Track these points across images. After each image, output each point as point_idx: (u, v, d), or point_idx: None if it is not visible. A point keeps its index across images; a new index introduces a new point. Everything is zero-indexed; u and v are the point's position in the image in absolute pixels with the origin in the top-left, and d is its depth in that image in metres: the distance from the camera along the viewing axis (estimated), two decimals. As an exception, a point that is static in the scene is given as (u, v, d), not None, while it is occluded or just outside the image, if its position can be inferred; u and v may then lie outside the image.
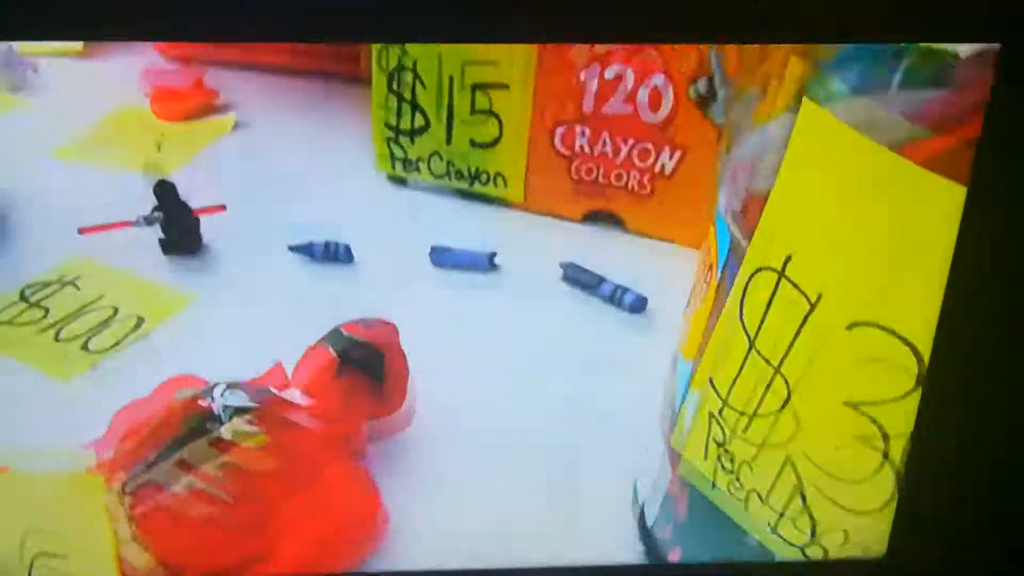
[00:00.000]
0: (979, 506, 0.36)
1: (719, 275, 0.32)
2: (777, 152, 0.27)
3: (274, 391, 0.39)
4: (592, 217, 0.53)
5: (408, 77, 0.51)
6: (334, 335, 0.40)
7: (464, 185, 0.54)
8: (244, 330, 0.47)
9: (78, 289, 0.49)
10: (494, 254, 0.50)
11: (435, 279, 0.50)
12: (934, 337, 0.29)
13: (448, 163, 0.54)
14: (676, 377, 0.36)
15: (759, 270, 0.28)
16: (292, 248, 0.51)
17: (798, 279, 0.27)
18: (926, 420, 0.31)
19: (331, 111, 0.62)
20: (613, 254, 0.51)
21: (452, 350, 0.45)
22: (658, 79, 0.46)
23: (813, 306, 0.26)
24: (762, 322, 0.29)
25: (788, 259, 0.27)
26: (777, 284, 0.28)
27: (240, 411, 0.37)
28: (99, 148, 0.61)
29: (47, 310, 0.48)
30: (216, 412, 0.37)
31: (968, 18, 0.25)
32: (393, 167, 0.55)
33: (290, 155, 0.60)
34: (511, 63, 0.49)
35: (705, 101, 0.46)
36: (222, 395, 0.38)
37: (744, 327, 0.30)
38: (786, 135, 0.26)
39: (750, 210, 0.29)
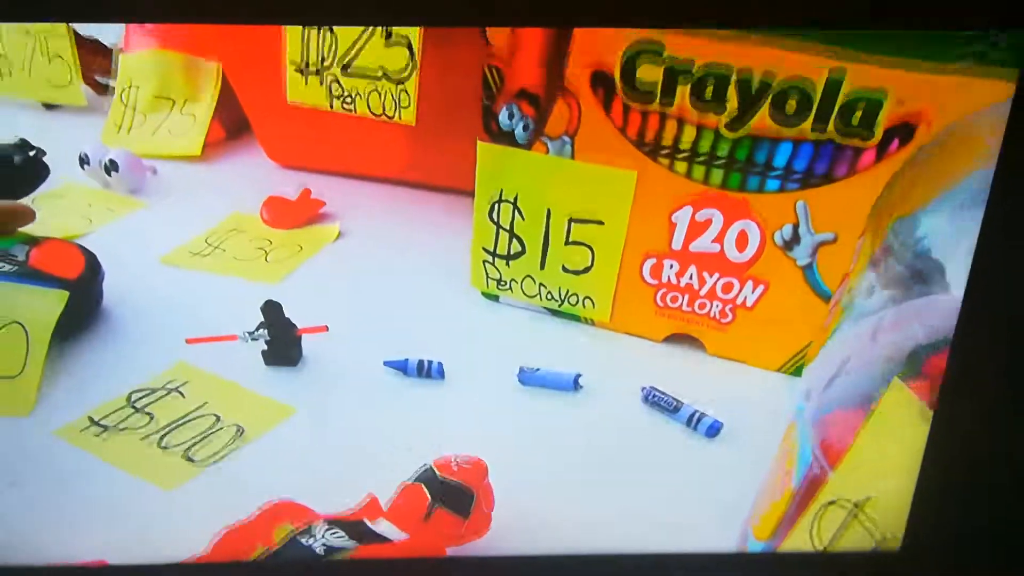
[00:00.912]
0: (994, 502, 0.37)
1: (795, 487, 0.36)
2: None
3: (368, 524, 0.41)
4: (673, 339, 0.56)
5: (508, 208, 0.55)
6: (428, 475, 0.41)
7: (554, 305, 0.58)
8: (341, 444, 0.50)
9: (183, 396, 0.52)
10: (579, 375, 0.53)
11: (522, 396, 0.53)
12: (953, 335, 0.32)
13: (540, 285, 0.57)
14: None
15: (833, 502, 0.33)
16: (387, 363, 0.54)
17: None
18: (943, 417, 0.33)
19: (430, 225, 0.66)
20: (693, 375, 0.54)
21: (533, 465, 0.48)
22: (745, 223, 0.49)
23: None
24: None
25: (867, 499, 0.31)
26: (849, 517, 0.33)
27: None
28: (210, 254, 0.64)
29: (152, 416, 0.50)
30: (316, 550, 0.39)
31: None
32: (487, 285, 0.59)
33: (389, 266, 0.64)
34: (609, 203, 0.52)
35: (789, 245, 0.49)
36: (323, 536, 0.40)
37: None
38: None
39: (833, 443, 0.34)
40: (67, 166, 0.72)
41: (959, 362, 0.33)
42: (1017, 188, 0.31)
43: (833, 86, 0.43)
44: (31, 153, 0.69)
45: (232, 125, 0.78)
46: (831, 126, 0.45)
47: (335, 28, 0.62)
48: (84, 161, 0.72)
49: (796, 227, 0.48)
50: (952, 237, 0.33)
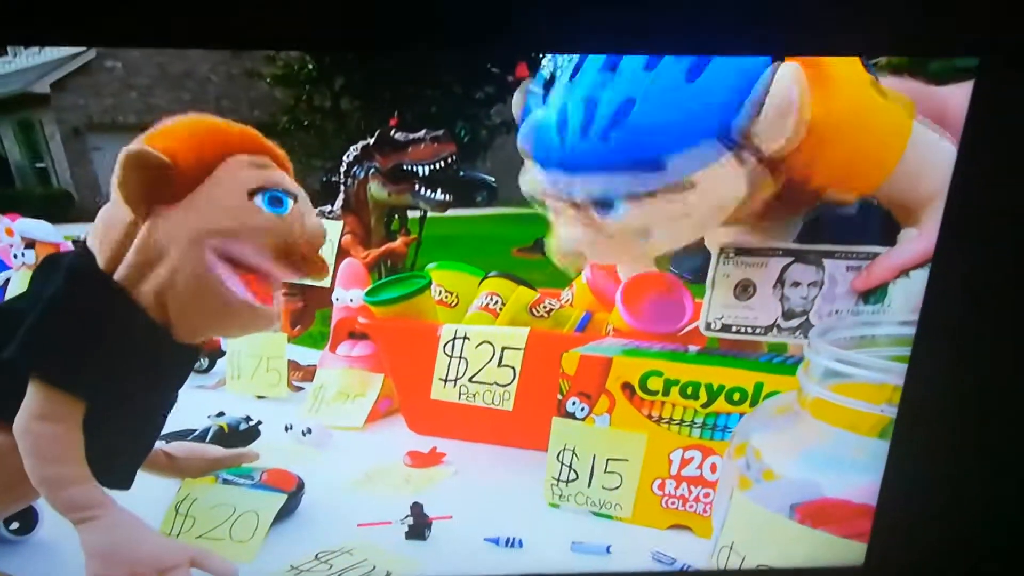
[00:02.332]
0: (955, 516, 0.39)
1: None
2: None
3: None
4: (673, 527, 0.90)
5: (569, 454, 0.91)
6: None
7: (595, 509, 0.92)
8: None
9: (351, 555, 0.85)
10: (610, 545, 0.88)
11: (574, 556, 0.88)
12: (912, 349, 0.35)
13: (587, 497, 0.92)
14: None
15: None
16: (486, 539, 0.89)
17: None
18: (902, 431, 0.37)
19: (518, 467, 1.02)
20: (685, 548, 0.87)
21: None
22: (715, 458, 0.85)
23: None
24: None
25: None
26: None
27: None
28: (371, 481, 1.01)
29: (331, 565, 0.83)
30: None
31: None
32: (552, 498, 0.94)
33: (488, 490, 1.00)
34: (630, 450, 0.88)
35: (743, 469, 0.87)
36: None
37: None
38: None
39: None
40: (272, 432, 1.10)
41: (915, 384, 0.38)
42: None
43: (758, 389, 0.82)
44: (252, 423, 1.09)
45: (384, 413, 1.19)
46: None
47: (468, 357, 1.07)
48: (288, 428, 1.09)
49: (746, 459, 0.81)
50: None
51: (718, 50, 0.61)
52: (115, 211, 0.70)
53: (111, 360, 0.72)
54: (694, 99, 0.72)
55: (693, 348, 0.92)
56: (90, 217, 0.77)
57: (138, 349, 0.73)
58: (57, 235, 1.73)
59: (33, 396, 0.69)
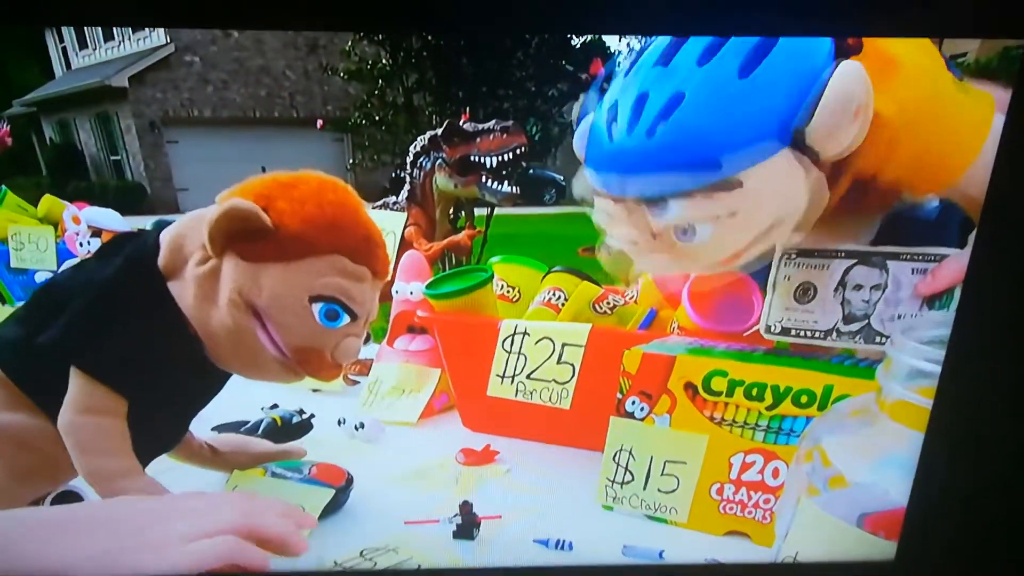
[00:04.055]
0: (988, 514, 0.39)
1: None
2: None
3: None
4: (729, 533, 0.87)
5: (626, 455, 0.89)
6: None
7: (649, 512, 0.90)
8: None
9: (396, 553, 0.83)
10: (662, 550, 0.85)
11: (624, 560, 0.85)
12: (947, 347, 0.34)
13: (641, 500, 0.89)
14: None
15: None
16: (535, 540, 0.86)
17: None
18: (936, 430, 0.36)
19: (571, 467, 1.01)
20: (742, 555, 0.84)
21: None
22: (777, 462, 0.82)
23: None
24: None
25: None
26: None
27: None
28: (421, 478, 0.99)
29: (375, 562, 0.81)
30: None
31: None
32: (606, 500, 0.92)
33: (540, 488, 0.97)
34: (689, 452, 0.86)
35: (808, 475, 0.83)
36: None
37: None
38: None
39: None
40: (324, 426, 1.11)
41: (950, 379, 0.37)
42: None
43: (827, 392, 0.78)
44: (304, 416, 1.09)
45: (440, 409, 1.18)
46: (828, 409, 0.78)
47: (527, 353, 1.05)
48: (341, 422, 1.09)
49: (812, 464, 0.79)
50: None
51: (783, 30, 0.58)
52: (196, 233, 0.72)
53: (152, 362, 0.73)
54: (748, 96, 0.69)
55: (760, 349, 0.89)
56: (162, 209, 0.77)
57: (178, 357, 0.75)
58: (124, 224, 1.77)
59: (77, 388, 0.70)
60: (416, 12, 0.36)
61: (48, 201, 2.01)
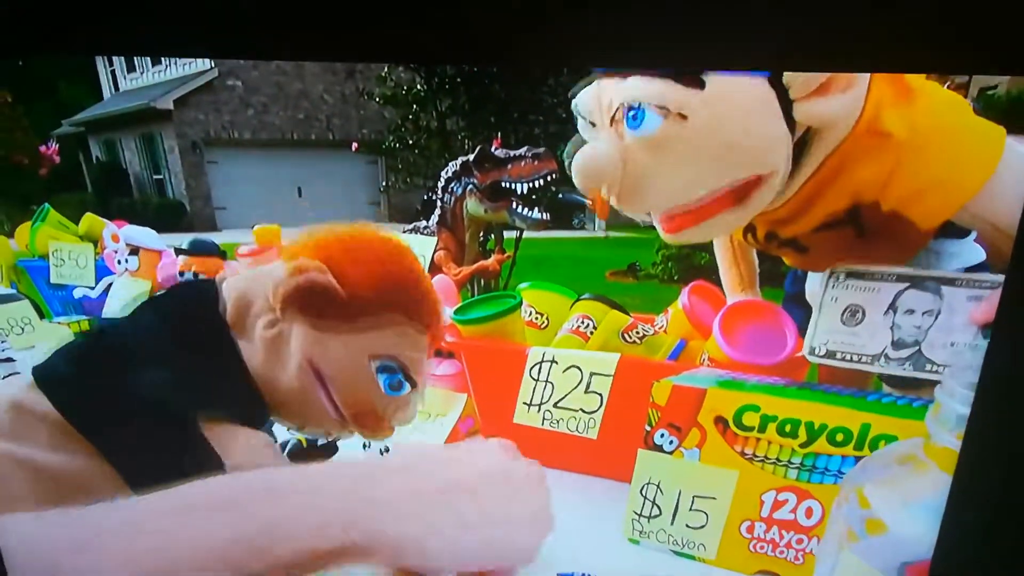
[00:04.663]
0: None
1: None
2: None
3: None
4: (761, 572, 0.84)
5: (653, 489, 0.86)
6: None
7: (677, 548, 0.87)
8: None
9: None
10: (692, 593, 0.82)
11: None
12: (986, 353, 0.32)
13: (668, 535, 0.87)
14: None
15: None
16: (559, 574, 0.83)
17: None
18: (974, 432, 0.34)
19: (597, 497, 0.98)
20: None
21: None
22: (812, 502, 0.79)
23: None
24: None
25: None
26: None
27: None
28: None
29: None
30: None
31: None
32: (632, 534, 0.89)
33: (565, 522, 0.94)
34: (719, 487, 0.83)
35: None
36: None
37: None
38: None
39: None
40: (350, 449, 1.08)
41: (985, 396, 0.33)
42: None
43: (864, 430, 0.75)
44: (331, 438, 1.08)
45: (465, 434, 1.16)
46: (865, 449, 0.76)
47: (554, 381, 1.03)
48: (366, 446, 1.09)
49: (848, 505, 0.78)
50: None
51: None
52: (263, 291, 0.72)
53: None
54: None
55: (794, 384, 0.86)
56: (201, 227, 0.78)
57: (235, 408, 0.73)
58: (161, 243, 1.79)
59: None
60: (449, 45, 0.35)
61: (89, 219, 2.05)
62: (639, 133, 0.76)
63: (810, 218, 0.87)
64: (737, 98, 0.73)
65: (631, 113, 0.76)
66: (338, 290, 0.70)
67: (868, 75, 0.75)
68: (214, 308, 0.73)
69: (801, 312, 1.02)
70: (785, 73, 0.72)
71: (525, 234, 1.70)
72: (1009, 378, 0.32)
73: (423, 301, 0.77)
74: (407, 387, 0.76)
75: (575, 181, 0.82)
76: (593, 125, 0.84)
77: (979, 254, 0.94)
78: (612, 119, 0.79)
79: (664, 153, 0.77)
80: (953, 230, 0.91)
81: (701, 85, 0.72)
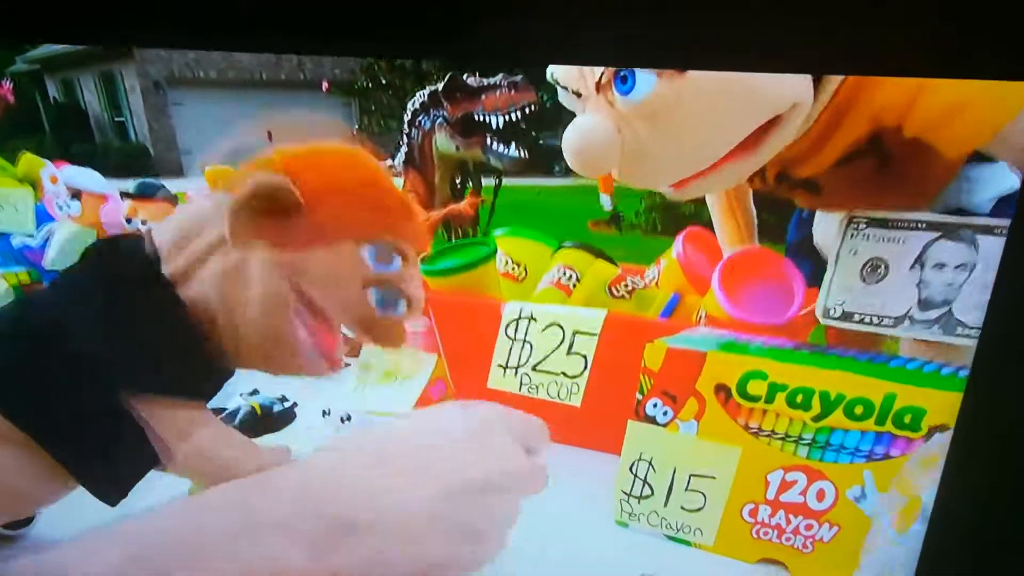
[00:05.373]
0: (1008, 538, 0.36)
1: None
2: None
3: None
4: (762, 561, 0.75)
5: (644, 465, 0.76)
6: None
7: (671, 533, 0.77)
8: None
9: None
10: (684, 582, 0.73)
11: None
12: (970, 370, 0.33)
13: (661, 518, 0.77)
14: None
15: None
16: (540, 559, 0.74)
17: None
18: (957, 455, 0.35)
19: (582, 473, 0.88)
20: None
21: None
22: (824, 483, 0.70)
23: None
24: None
25: None
26: None
27: None
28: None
29: None
30: None
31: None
32: (620, 515, 0.79)
33: (547, 502, 0.85)
34: (720, 466, 0.73)
35: (858, 500, 0.70)
36: None
37: None
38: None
39: None
40: (308, 416, 0.99)
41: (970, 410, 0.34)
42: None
43: (888, 402, 0.66)
44: (287, 405, 0.97)
45: (437, 399, 1.06)
46: (888, 424, 0.66)
47: (533, 341, 0.92)
48: (326, 413, 0.98)
49: (863, 488, 0.69)
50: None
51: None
52: (203, 224, 0.62)
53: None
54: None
55: (805, 347, 0.76)
56: (165, 173, 0.66)
57: (183, 368, 0.65)
58: (105, 185, 1.64)
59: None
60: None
61: (27, 159, 1.89)
62: (632, 99, 0.65)
63: (828, 152, 0.75)
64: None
65: (619, 76, 0.65)
66: (294, 191, 0.59)
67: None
68: (145, 261, 0.63)
69: (807, 262, 0.92)
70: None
71: (504, 181, 1.57)
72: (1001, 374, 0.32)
73: (396, 206, 0.66)
74: (397, 260, 0.64)
75: (572, 166, 0.70)
76: (578, 95, 0.72)
77: (1013, 181, 0.83)
78: (598, 85, 0.68)
79: (666, 118, 0.65)
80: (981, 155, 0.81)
81: None
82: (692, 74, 0.62)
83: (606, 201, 0.97)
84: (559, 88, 0.74)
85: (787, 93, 0.65)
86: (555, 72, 0.73)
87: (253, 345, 0.64)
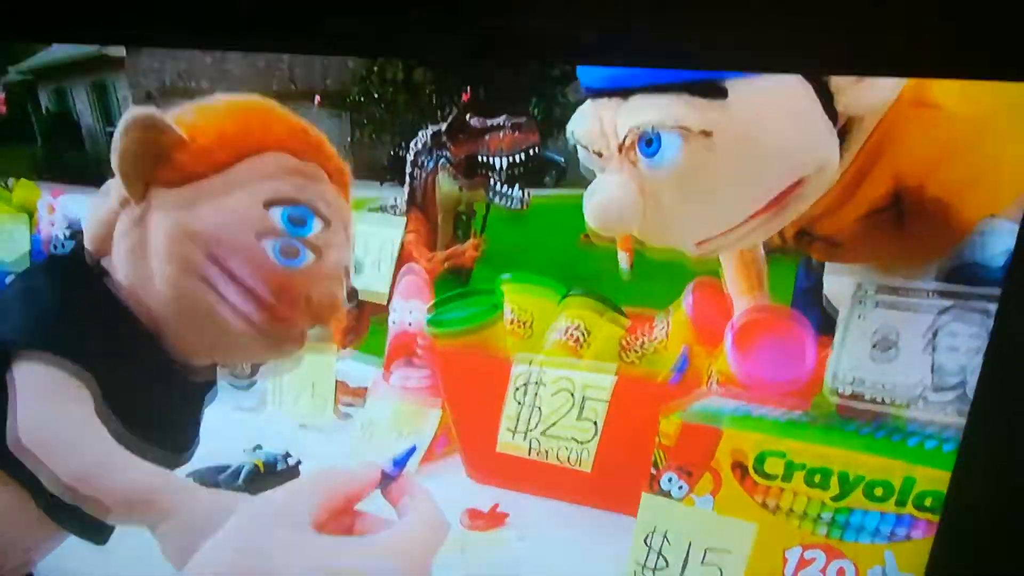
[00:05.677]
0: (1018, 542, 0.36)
1: None
2: None
3: None
4: None
5: (660, 538, 0.75)
6: None
7: None
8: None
9: None
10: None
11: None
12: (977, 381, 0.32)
13: None
14: None
15: None
16: None
17: None
18: (965, 462, 0.36)
19: (595, 535, 0.87)
20: None
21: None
22: (844, 562, 0.69)
23: None
24: None
25: None
26: None
27: None
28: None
29: None
30: None
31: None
32: None
33: (559, 565, 0.85)
34: (736, 540, 0.72)
35: None
36: None
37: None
38: None
39: None
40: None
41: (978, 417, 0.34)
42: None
43: (908, 485, 0.65)
44: (291, 463, 0.96)
45: (441, 454, 1.04)
46: (908, 507, 0.65)
47: (542, 406, 0.91)
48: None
49: (884, 568, 0.68)
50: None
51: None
52: (112, 185, 0.62)
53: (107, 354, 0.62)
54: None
55: (821, 419, 0.75)
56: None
57: (130, 356, 0.63)
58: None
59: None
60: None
61: (24, 186, 1.86)
62: (658, 163, 0.63)
63: (850, 210, 0.74)
64: (769, 101, 0.61)
65: (644, 139, 0.63)
66: (173, 127, 0.58)
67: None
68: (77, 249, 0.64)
69: (816, 312, 0.90)
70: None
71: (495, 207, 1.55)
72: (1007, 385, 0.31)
73: (299, 131, 0.65)
74: (314, 222, 0.62)
75: (592, 226, 0.69)
76: (599, 155, 0.71)
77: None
78: (621, 146, 0.66)
79: (691, 181, 0.64)
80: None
81: (723, 94, 0.60)
82: (718, 136, 0.61)
83: (624, 260, 0.96)
84: (579, 148, 0.73)
85: (812, 160, 0.64)
86: (576, 132, 0.72)
87: (182, 328, 0.62)
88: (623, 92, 0.65)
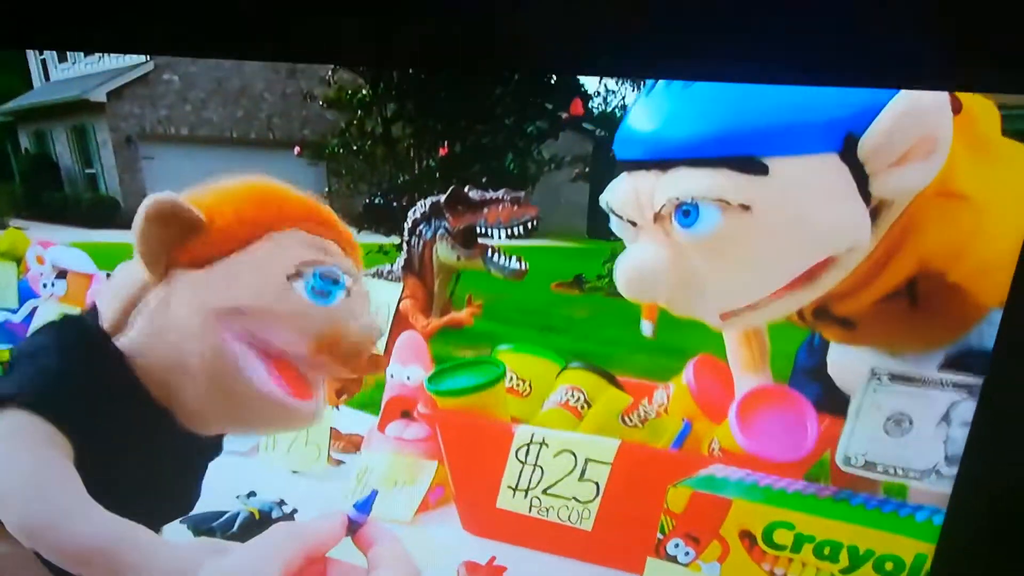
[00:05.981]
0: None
1: None
2: None
3: None
4: None
5: None
6: None
7: None
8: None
9: None
10: None
11: None
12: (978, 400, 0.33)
13: None
14: None
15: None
16: None
17: None
18: (966, 473, 0.36)
19: None
20: None
21: None
22: None
23: None
24: None
25: None
26: None
27: None
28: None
29: None
30: None
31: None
32: None
33: None
34: None
35: None
36: None
37: None
38: None
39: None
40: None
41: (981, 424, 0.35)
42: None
43: (919, 561, 0.65)
44: (286, 510, 0.94)
45: (435, 504, 1.03)
46: None
47: (544, 465, 0.91)
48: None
49: None
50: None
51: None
52: (131, 266, 0.61)
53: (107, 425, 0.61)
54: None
55: (829, 491, 0.76)
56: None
57: (136, 426, 0.62)
58: (91, 266, 1.60)
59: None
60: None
61: (11, 235, 1.85)
62: (695, 232, 0.65)
63: (871, 292, 0.76)
64: (807, 179, 0.63)
65: (681, 209, 0.65)
66: (193, 209, 0.58)
67: (950, 138, 0.64)
68: (90, 323, 0.63)
69: (815, 388, 0.92)
70: (860, 146, 0.62)
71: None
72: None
73: (313, 210, 0.66)
74: (337, 290, 0.63)
75: (623, 293, 0.71)
76: (633, 224, 0.73)
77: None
78: (656, 216, 0.68)
79: (726, 252, 0.66)
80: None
81: (764, 170, 0.62)
82: (756, 211, 0.63)
83: (647, 328, 0.97)
84: (612, 215, 0.74)
85: (847, 235, 0.66)
86: (610, 201, 0.73)
87: (200, 392, 0.62)
88: (663, 164, 0.67)
